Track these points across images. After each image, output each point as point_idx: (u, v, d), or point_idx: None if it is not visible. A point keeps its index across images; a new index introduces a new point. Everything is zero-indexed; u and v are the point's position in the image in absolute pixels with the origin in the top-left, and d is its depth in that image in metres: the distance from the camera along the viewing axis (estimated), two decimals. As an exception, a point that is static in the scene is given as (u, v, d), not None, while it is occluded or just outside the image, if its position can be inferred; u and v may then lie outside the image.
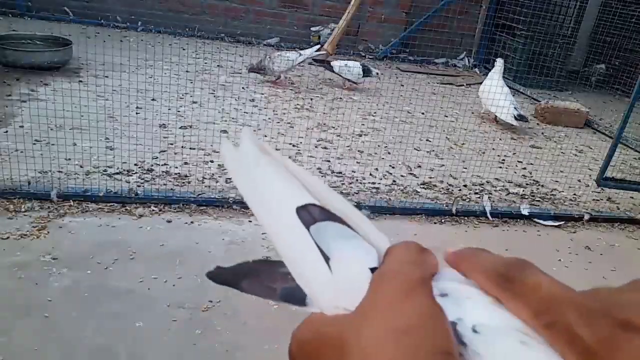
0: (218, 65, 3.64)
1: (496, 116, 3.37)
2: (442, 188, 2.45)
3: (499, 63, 3.45)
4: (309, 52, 3.53)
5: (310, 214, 0.22)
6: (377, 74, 3.60)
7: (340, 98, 3.50)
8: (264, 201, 0.23)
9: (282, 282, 0.25)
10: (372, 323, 0.20)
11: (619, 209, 2.57)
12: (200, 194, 2.03)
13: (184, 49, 3.91)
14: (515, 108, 3.29)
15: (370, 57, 4.65)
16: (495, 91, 3.24)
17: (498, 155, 2.96)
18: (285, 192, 0.23)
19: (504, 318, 0.20)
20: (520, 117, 3.28)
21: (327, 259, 0.22)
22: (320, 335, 0.20)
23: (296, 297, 0.24)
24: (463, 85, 4.38)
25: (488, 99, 3.28)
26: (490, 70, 3.65)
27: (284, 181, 0.23)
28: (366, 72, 3.52)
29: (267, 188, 0.23)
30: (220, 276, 0.26)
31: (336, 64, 3.56)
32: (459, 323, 0.20)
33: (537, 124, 3.69)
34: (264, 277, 0.26)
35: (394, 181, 2.44)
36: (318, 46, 3.69)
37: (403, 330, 0.19)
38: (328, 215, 0.23)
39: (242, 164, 0.24)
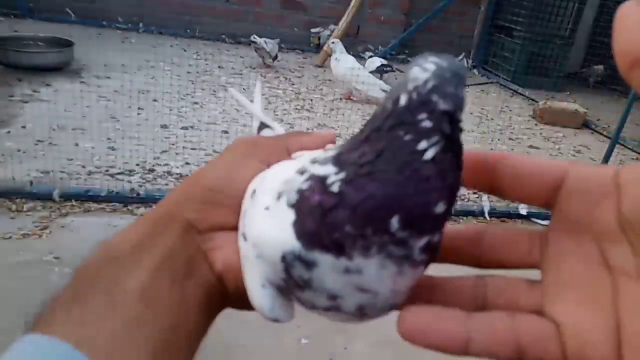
0: (219, 67, 3.66)
1: (352, 92, 3.42)
2: (441, 188, 2.46)
3: (339, 44, 3.45)
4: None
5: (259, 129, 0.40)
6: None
7: (340, 99, 3.52)
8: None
9: None
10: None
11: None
12: (201, 194, 2.04)
13: (185, 50, 3.93)
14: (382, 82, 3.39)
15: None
16: (357, 68, 3.29)
17: (497, 156, 2.97)
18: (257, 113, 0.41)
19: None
20: None
21: None
22: None
23: None
24: (462, 86, 4.40)
25: (352, 78, 3.29)
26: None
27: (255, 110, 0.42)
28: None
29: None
30: None
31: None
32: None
33: (535, 124, 3.72)
34: None
35: (393, 181, 2.45)
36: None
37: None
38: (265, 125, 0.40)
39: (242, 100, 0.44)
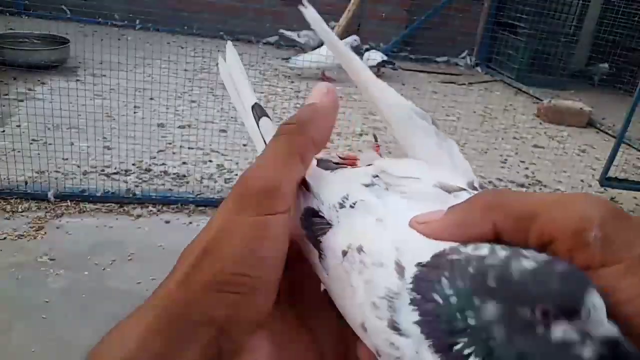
0: (217, 64, 3.61)
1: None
2: (444, 188, 2.43)
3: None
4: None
5: (256, 111, 0.32)
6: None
7: (341, 97, 3.48)
8: (237, 102, 0.34)
9: None
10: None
11: (622, 209, 2.55)
12: (198, 194, 2.01)
13: (182, 48, 3.87)
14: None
15: (371, 55, 4.62)
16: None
17: (500, 155, 2.94)
18: (246, 95, 0.33)
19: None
20: None
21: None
22: None
23: None
24: (465, 84, 4.36)
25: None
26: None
27: (246, 86, 0.34)
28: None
29: (237, 93, 0.34)
30: None
31: None
32: (346, 199, 0.24)
33: (540, 123, 3.67)
34: None
35: (395, 181, 2.42)
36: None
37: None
38: (264, 112, 0.32)
39: (225, 74, 0.36)
